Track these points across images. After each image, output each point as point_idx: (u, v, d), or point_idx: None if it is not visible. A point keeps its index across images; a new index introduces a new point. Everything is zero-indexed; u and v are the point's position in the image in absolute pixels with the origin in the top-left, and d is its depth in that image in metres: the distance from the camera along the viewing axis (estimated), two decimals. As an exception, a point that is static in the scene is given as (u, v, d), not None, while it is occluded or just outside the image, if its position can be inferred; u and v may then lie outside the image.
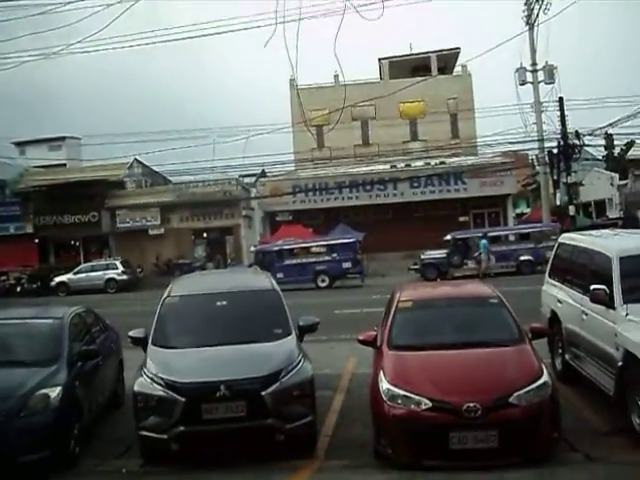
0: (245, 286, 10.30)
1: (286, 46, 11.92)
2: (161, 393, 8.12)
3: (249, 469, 7.79)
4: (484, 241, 33.04)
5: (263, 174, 49.02)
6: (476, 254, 33.17)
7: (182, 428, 7.93)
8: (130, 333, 9.52)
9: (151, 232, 44.34)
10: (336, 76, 49.86)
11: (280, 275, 29.17)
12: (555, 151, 37.08)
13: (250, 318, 9.40)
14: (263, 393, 7.99)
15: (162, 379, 8.21)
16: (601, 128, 37.58)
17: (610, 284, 9.05)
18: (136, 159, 49.59)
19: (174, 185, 46.46)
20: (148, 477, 8.04)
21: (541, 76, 38.50)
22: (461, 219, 44.47)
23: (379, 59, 57.99)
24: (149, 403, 8.21)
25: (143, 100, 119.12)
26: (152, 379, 8.30)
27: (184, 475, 7.90)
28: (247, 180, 49.49)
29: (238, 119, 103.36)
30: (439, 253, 33.99)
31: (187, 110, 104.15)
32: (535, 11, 37.14)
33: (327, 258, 33.90)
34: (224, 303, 9.58)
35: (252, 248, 38.19)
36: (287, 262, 33.63)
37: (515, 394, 7.58)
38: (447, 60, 56.80)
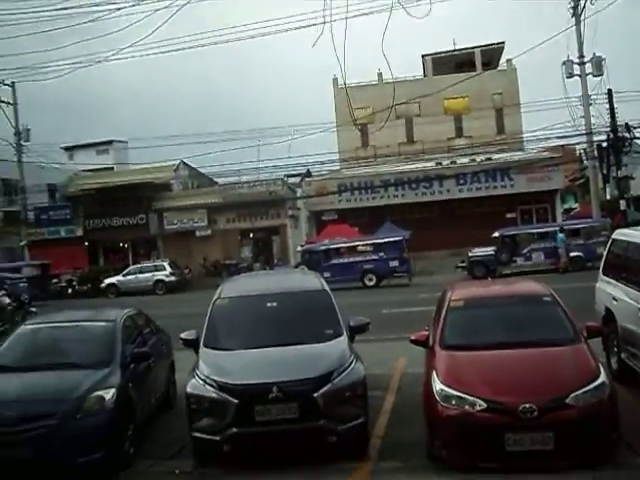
0: (295, 287, 10.30)
1: (333, 44, 11.89)
2: (214, 395, 8.16)
3: (301, 471, 7.78)
4: (561, 235, 32.48)
5: (308, 174, 49.11)
6: (559, 248, 32.40)
7: (235, 430, 7.96)
8: (182, 335, 9.59)
9: (198, 233, 44.75)
10: (380, 74, 49.78)
11: (327, 274, 29.09)
12: (604, 144, 36.40)
13: (301, 319, 9.39)
14: (315, 394, 7.97)
15: (215, 381, 8.25)
16: (652, 120, 36.77)
17: (668, 280, 8.83)
18: (182, 161, 50.10)
19: (220, 186, 46.83)
20: (201, 478, 8.07)
21: (589, 68, 37.88)
22: (508, 215, 44.01)
23: (422, 55, 57.74)
24: (202, 405, 8.25)
25: (189, 103, 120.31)
26: (204, 381, 8.35)
27: (236, 476, 7.93)
28: (292, 180, 49.68)
29: (284, 120, 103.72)
30: (487, 250, 33.56)
31: (234, 112, 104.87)
32: (582, 2, 36.54)
33: (374, 257, 33.78)
34: (274, 304, 9.58)
35: (299, 248, 38.29)
36: (334, 261, 33.63)
37: (572, 395, 7.44)
38: (491, 55, 56.25)
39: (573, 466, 7.21)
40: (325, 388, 8.04)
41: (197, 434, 8.28)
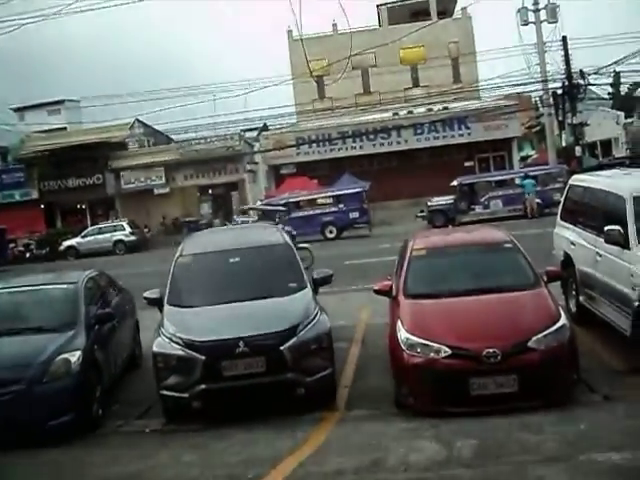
0: (257, 241, 10.24)
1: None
2: (180, 352, 8.16)
3: (271, 424, 7.85)
4: (529, 180, 32.73)
5: (265, 128, 48.64)
6: (526, 194, 32.57)
7: (203, 386, 8.00)
8: (145, 294, 9.54)
9: (156, 192, 44.29)
10: (335, 25, 49.15)
11: (288, 228, 29.02)
12: (559, 92, 36.62)
13: (264, 273, 9.40)
14: (282, 348, 8.03)
15: (181, 338, 8.25)
16: (606, 67, 37.08)
17: (624, 224, 8.99)
18: (137, 119, 49.24)
19: (177, 143, 46.23)
20: (171, 435, 8.11)
21: (543, 16, 37.90)
22: (466, 164, 44.24)
23: (377, 5, 57.02)
24: (169, 363, 8.26)
25: (141, 60, 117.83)
26: (170, 339, 8.34)
27: (207, 432, 7.96)
28: (250, 135, 49.18)
29: (240, 74, 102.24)
30: (446, 199, 33.81)
31: (185, 67, 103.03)
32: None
33: (334, 209, 33.87)
34: (237, 259, 9.57)
35: (258, 202, 38.12)
36: (294, 215, 33.58)
37: (533, 338, 7.60)
38: (446, 4, 55.78)
39: (536, 406, 7.38)
40: (291, 341, 8.09)
41: (165, 392, 8.30)
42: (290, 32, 49.32)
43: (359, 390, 9.03)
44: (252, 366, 8.00)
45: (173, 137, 47.53)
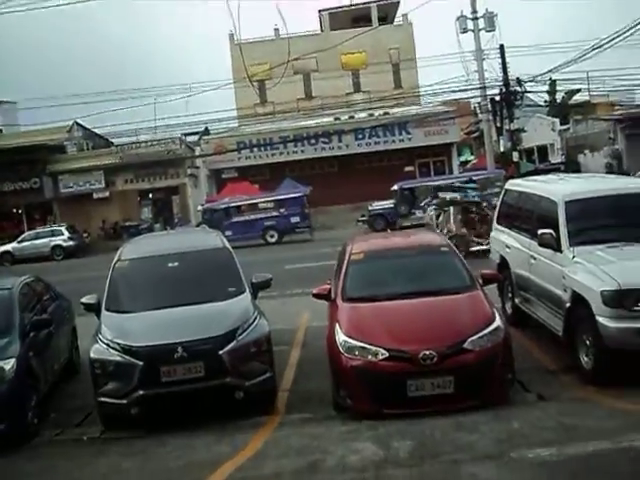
0: (196, 246, 10.21)
1: (227, 2, 11.64)
2: (118, 358, 8.09)
3: (211, 429, 7.83)
4: (473, 185, 33.10)
5: (206, 132, 48.37)
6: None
7: (141, 392, 7.93)
8: (82, 300, 9.42)
9: (96, 196, 43.53)
10: (276, 29, 49.31)
11: (228, 233, 28.89)
12: (497, 98, 37.37)
13: (203, 278, 9.37)
14: (220, 352, 8.02)
15: (118, 344, 8.17)
16: (542, 74, 37.98)
17: (557, 228, 9.25)
18: (76, 122, 48.31)
19: (117, 147, 45.53)
20: (110, 443, 8.01)
21: (482, 24, 38.58)
22: (407, 169, 44.68)
23: (319, 11, 57.39)
24: (107, 369, 8.16)
25: (79, 63, 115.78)
26: (108, 345, 8.25)
27: (146, 439, 7.88)
28: (190, 139, 48.82)
29: (178, 77, 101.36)
30: (386, 204, 34.15)
31: (125, 70, 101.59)
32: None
33: (275, 213, 33.84)
34: (176, 264, 9.52)
35: (199, 207, 37.88)
36: (235, 219, 33.51)
37: (469, 340, 7.74)
38: (388, 10, 56.50)
39: (472, 407, 7.52)
40: (230, 345, 8.10)
41: (103, 399, 8.20)
42: (232, 36, 49.23)
43: (299, 393, 9.08)
44: (191, 371, 7.97)
45: (113, 140, 46.80)
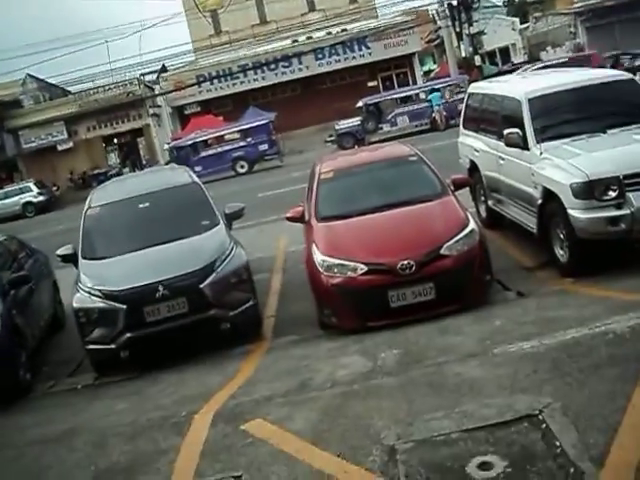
0: (165, 184, 10.11)
1: None
2: (101, 304, 8.10)
3: (201, 362, 7.92)
4: (435, 94, 32.96)
5: (164, 69, 47.40)
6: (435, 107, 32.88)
7: (128, 335, 7.99)
8: (58, 251, 9.36)
9: (60, 147, 42.92)
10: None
11: (198, 168, 28.73)
12: (455, 3, 36.84)
13: (175, 215, 9.31)
14: (201, 286, 8.05)
15: (99, 290, 8.17)
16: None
17: (522, 126, 9.23)
18: (29, 74, 47.09)
19: (75, 95, 44.59)
20: (104, 388, 8.08)
21: None
22: (370, 84, 44.34)
23: None
24: (91, 316, 8.18)
25: (26, 14, 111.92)
26: (89, 292, 8.25)
27: (138, 380, 7.96)
28: (149, 78, 47.86)
29: (131, 16, 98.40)
30: (353, 121, 33.89)
31: (75, 15, 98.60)
32: None
33: (242, 143, 33.49)
34: (147, 205, 9.45)
35: (165, 146, 37.45)
36: (203, 154, 33.19)
37: (445, 245, 7.81)
38: None
39: (454, 310, 7.65)
40: (210, 278, 8.12)
41: (92, 346, 8.26)
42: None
43: (285, 318, 9.18)
44: (174, 308, 8.02)
45: (70, 89, 45.81)
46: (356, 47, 44.15)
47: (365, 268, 7.73)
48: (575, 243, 8.13)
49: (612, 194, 7.79)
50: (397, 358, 6.60)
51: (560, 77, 11.26)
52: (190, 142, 33.93)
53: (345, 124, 34.01)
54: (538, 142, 8.97)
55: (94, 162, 43.17)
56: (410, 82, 44.85)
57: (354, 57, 44.37)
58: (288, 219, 9.62)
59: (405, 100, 34.63)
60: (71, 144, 43.04)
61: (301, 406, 5.93)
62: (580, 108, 9.49)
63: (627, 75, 10.21)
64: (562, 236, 8.40)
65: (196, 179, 10.17)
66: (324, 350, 7.48)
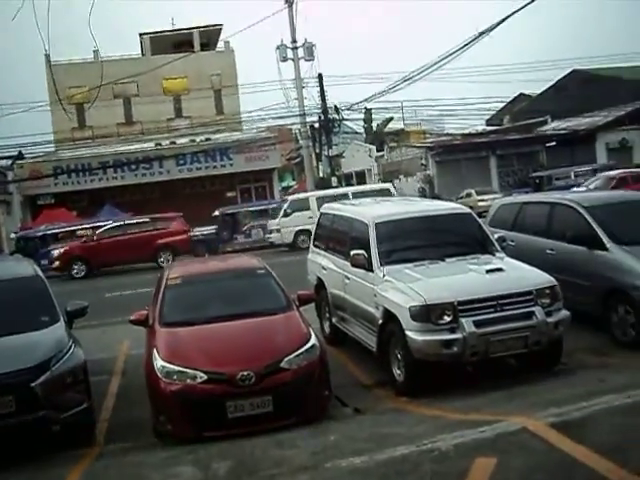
0: (6, 274, 9.75)
1: (36, 20, 11.29)
2: None
3: (27, 466, 7.46)
4: None
5: (20, 156, 46.08)
6: None
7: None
8: None
9: None
10: (96, 51, 47.96)
11: (45, 262, 27.76)
12: (316, 125, 38.64)
13: (13, 307, 8.92)
14: (33, 384, 7.66)
15: None
16: (358, 103, 39.88)
17: (368, 248, 9.74)
18: None
19: None
20: None
21: (301, 53, 39.73)
22: (228, 194, 44.87)
23: (140, 34, 56.61)
24: None
25: None
26: None
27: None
28: (3, 163, 46.35)
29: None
30: (208, 229, 34.04)
31: None
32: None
33: (94, 242, 32.63)
34: None
35: (12, 235, 35.99)
36: (52, 247, 32.10)
37: (285, 359, 7.95)
38: (210, 36, 56.71)
39: (291, 424, 7.73)
40: (44, 377, 7.75)
41: None
42: (48, 56, 47.38)
43: (119, 423, 8.90)
44: (1, 406, 7.59)
45: None
46: (218, 157, 44.81)
47: (205, 377, 7.71)
48: (411, 363, 8.54)
49: (447, 318, 8.33)
50: (229, 469, 6.56)
51: (407, 205, 12.09)
52: (40, 234, 32.81)
53: (199, 232, 34.06)
54: (382, 265, 9.47)
55: None
56: (268, 196, 45.86)
57: (215, 166, 44.93)
58: (131, 322, 9.48)
59: (261, 213, 35.32)
60: None
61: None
62: (423, 236, 10.20)
63: (466, 209, 11.09)
64: (399, 356, 8.78)
65: (40, 272, 9.86)
66: (157, 459, 7.31)
